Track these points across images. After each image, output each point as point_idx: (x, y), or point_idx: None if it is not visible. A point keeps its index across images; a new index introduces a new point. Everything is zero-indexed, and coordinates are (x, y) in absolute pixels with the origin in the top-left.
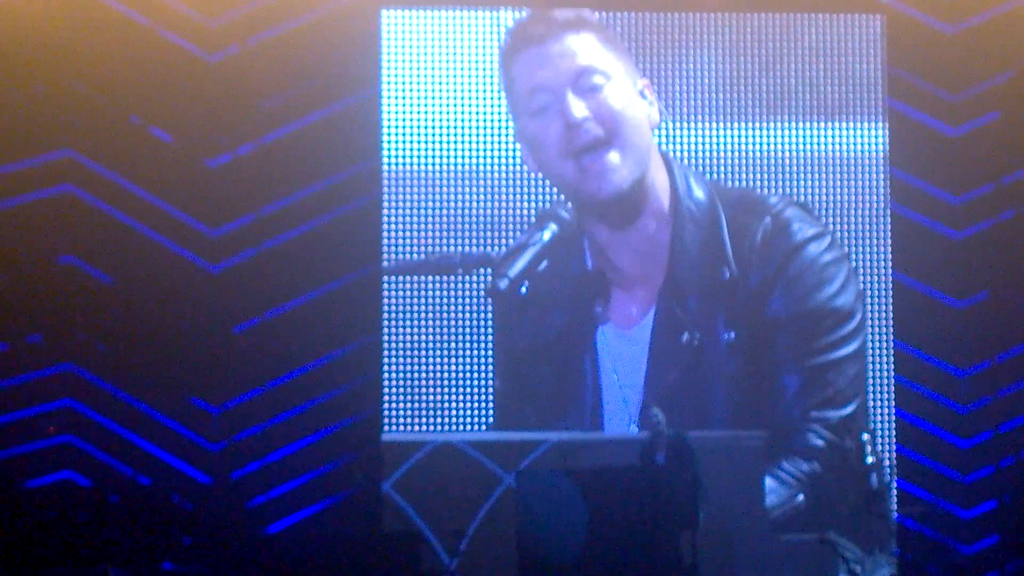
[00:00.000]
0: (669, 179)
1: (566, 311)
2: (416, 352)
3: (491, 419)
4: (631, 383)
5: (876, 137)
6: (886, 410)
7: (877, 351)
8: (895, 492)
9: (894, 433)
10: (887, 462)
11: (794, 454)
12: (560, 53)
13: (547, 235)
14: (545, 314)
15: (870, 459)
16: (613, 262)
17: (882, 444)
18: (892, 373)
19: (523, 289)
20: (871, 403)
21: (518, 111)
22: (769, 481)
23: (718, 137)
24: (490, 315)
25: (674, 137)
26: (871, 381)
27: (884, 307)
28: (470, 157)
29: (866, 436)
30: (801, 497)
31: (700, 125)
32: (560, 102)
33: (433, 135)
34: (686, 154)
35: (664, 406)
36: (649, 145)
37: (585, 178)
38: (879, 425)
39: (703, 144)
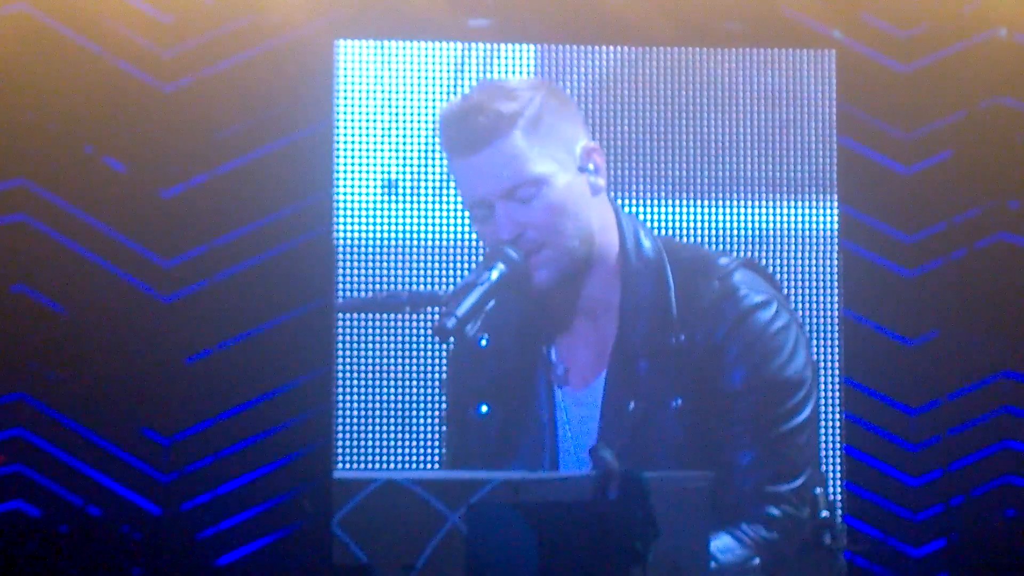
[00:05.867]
0: (619, 235)
1: (522, 367)
2: (367, 388)
3: (439, 460)
4: (585, 445)
5: (827, 174)
6: (834, 447)
7: (825, 388)
8: (843, 530)
9: (842, 470)
10: (839, 509)
11: (753, 520)
12: (489, 167)
13: (495, 274)
14: (500, 368)
15: (824, 513)
16: (563, 321)
17: (831, 481)
18: (840, 410)
19: (483, 342)
20: (820, 440)
21: (465, 207)
22: (728, 540)
23: (664, 170)
24: (442, 353)
25: (620, 169)
26: (821, 418)
27: (832, 344)
28: (424, 191)
29: (819, 491)
30: (757, 561)
31: (644, 160)
32: (495, 216)
33: (387, 169)
34: (632, 187)
35: None
36: (589, 220)
37: (527, 271)
38: (827, 462)
39: (649, 177)
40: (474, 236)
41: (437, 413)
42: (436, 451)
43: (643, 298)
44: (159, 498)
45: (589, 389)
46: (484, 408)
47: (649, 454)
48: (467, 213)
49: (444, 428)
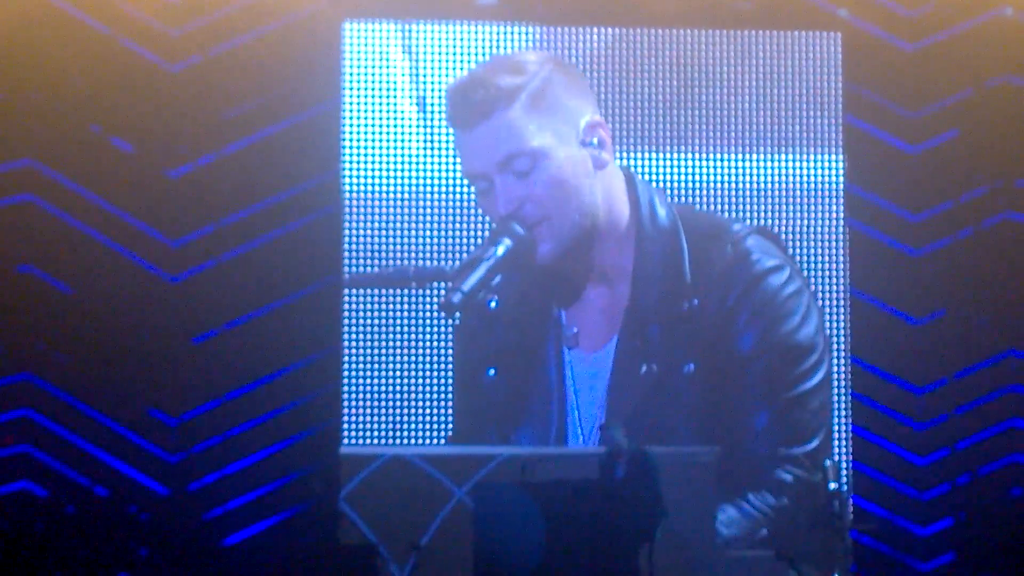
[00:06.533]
0: (634, 200)
1: (531, 329)
2: (376, 365)
3: (449, 433)
4: (593, 407)
5: (833, 154)
6: (842, 426)
7: (833, 367)
8: (850, 508)
9: (850, 449)
10: (846, 483)
11: (762, 488)
12: (488, 137)
13: (501, 249)
14: (509, 331)
15: (832, 485)
16: (575, 286)
17: (839, 461)
18: (848, 389)
19: (493, 304)
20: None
21: (468, 181)
22: (732, 512)
23: (673, 152)
24: (450, 329)
25: (627, 152)
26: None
27: (839, 323)
28: (431, 170)
29: (829, 463)
30: (764, 531)
31: (653, 142)
32: (494, 189)
33: (394, 148)
34: (643, 171)
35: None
36: (593, 194)
37: (532, 244)
38: (835, 441)
39: (657, 158)
40: (480, 212)
41: (447, 383)
42: (444, 427)
43: (657, 264)
44: (166, 478)
45: (601, 353)
46: (491, 371)
47: (662, 420)
48: (472, 188)
49: (453, 396)
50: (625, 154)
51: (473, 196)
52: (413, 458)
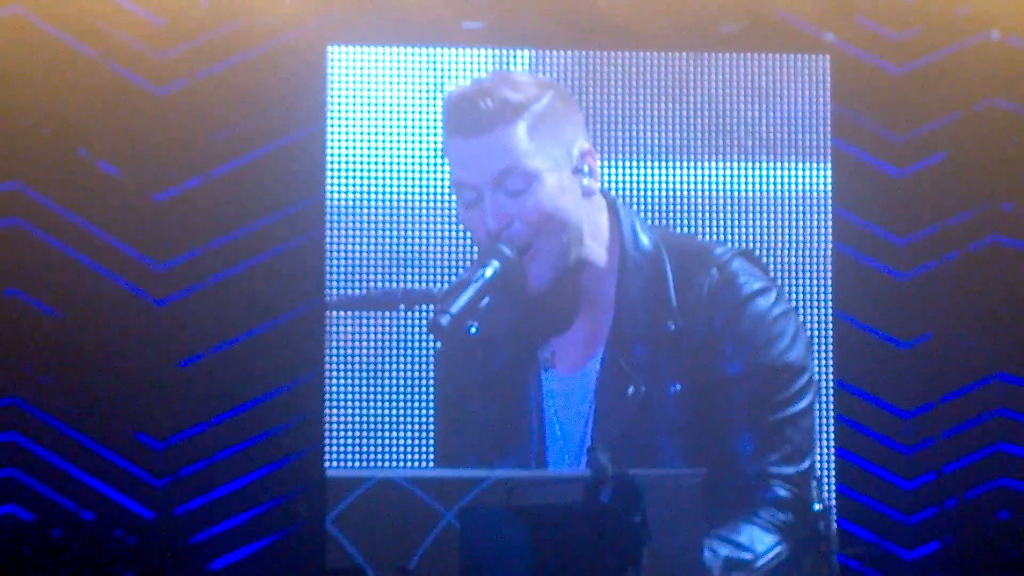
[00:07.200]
0: (616, 227)
1: (510, 350)
2: (359, 388)
3: (432, 456)
4: (573, 428)
5: (821, 177)
6: (827, 450)
7: (818, 390)
8: (835, 530)
9: (835, 473)
10: (832, 504)
11: (767, 505)
12: (487, 150)
13: (489, 272)
14: (489, 353)
15: (817, 506)
16: (564, 314)
17: (826, 485)
18: (833, 412)
19: (473, 329)
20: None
21: (454, 192)
22: (752, 529)
23: (661, 176)
24: (433, 351)
25: (617, 176)
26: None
27: (824, 346)
28: (414, 194)
29: (813, 483)
30: (783, 548)
31: (643, 164)
32: (483, 203)
33: (378, 171)
34: (628, 193)
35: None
36: (579, 221)
37: (521, 269)
38: (820, 464)
39: (645, 183)
40: (462, 229)
41: (429, 407)
42: (426, 450)
43: (640, 288)
44: (152, 502)
45: (579, 373)
46: (473, 329)
47: (650, 440)
48: (454, 196)
49: (436, 421)
50: (612, 173)
51: (455, 210)
52: (401, 481)
